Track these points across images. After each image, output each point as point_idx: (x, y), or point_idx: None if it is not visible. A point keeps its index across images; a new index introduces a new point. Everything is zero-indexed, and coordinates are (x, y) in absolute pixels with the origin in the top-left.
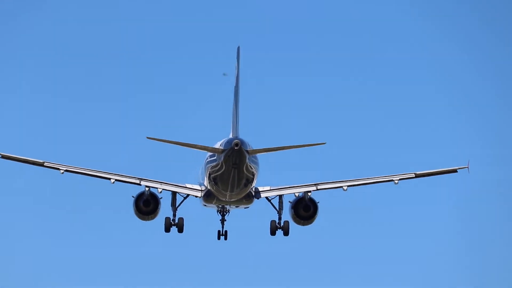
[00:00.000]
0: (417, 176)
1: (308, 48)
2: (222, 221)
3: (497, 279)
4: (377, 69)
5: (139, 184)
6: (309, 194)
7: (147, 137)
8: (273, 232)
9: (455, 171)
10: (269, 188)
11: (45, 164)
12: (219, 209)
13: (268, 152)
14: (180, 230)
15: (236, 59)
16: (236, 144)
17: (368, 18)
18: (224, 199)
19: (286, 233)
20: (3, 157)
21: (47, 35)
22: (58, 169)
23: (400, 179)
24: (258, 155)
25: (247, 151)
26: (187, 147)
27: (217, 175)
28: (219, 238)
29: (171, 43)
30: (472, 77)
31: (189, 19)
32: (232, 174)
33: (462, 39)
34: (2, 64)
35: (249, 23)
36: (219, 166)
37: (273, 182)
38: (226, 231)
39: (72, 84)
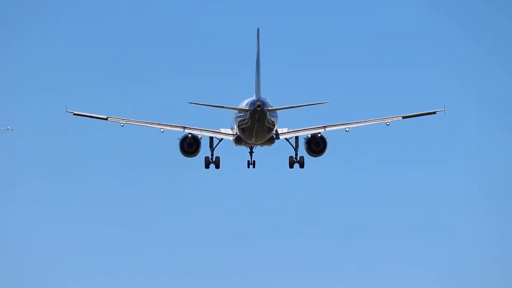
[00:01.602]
0: (404, 117)
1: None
2: (251, 153)
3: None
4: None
5: (183, 131)
6: (319, 134)
7: (189, 102)
8: (291, 165)
9: (434, 113)
10: (287, 130)
11: (109, 118)
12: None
13: (283, 109)
14: (217, 166)
15: (256, 39)
16: (258, 106)
17: None
18: (251, 142)
19: (301, 165)
20: (75, 114)
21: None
22: (119, 122)
23: (391, 121)
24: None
25: (267, 110)
26: (221, 108)
27: (244, 127)
28: (248, 167)
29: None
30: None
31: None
32: (256, 126)
33: None
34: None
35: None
36: (246, 120)
37: (291, 124)
38: (254, 161)
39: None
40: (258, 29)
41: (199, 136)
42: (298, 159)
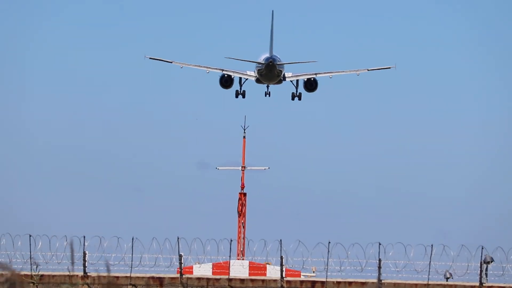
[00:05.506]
0: (368, 70)
1: None
2: (267, 87)
3: None
4: None
5: (222, 71)
6: (313, 78)
7: (225, 57)
8: (292, 98)
9: (388, 68)
10: (291, 75)
11: (173, 62)
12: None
13: (286, 64)
14: (243, 96)
15: (271, 20)
16: (270, 62)
17: None
18: (266, 83)
19: (300, 99)
20: (150, 58)
21: None
22: (180, 65)
23: (359, 72)
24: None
25: (276, 64)
26: (249, 62)
27: (262, 73)
28: (265, 96)
29: None
30: None
31: None
32: (269, 74)
33: None
34: None
35: None
36: (262, 69)
37: (294, 69)
38: (270, 92)
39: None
40: (272, 11)
41: (232, 76)
42: (298, 94)
